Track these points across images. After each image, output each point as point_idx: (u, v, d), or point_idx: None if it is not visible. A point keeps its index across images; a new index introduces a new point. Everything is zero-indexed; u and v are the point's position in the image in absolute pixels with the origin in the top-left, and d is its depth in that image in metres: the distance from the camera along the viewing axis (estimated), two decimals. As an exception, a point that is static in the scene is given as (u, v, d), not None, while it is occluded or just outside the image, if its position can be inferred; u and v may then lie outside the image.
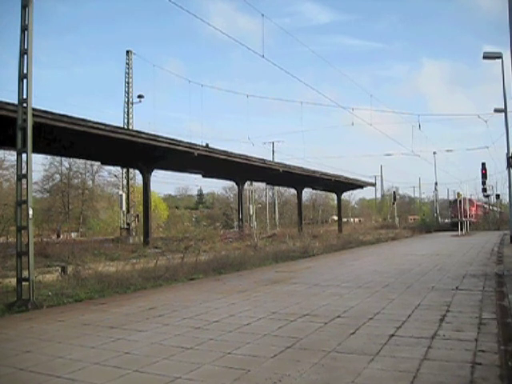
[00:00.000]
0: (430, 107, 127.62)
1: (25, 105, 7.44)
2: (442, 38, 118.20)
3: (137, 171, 30.14)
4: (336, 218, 49.52)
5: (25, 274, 6.99)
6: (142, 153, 21.87)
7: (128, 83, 32.11)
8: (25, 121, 7.36)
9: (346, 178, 36.40)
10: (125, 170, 33.13)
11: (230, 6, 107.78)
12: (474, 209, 44.99)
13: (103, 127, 17.75)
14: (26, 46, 7.51)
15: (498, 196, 48.79)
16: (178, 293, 7.47)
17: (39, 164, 46.24)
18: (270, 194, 58.25)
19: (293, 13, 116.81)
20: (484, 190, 34.02)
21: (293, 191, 47.81)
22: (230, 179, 35.15)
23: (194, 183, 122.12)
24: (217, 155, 24.39)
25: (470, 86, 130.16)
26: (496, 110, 22.58)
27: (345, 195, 47.22)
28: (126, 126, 30.33)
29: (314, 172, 32.02)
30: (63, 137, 17.10)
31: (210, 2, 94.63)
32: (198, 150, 22.97)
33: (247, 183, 38.32)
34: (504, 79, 19.98)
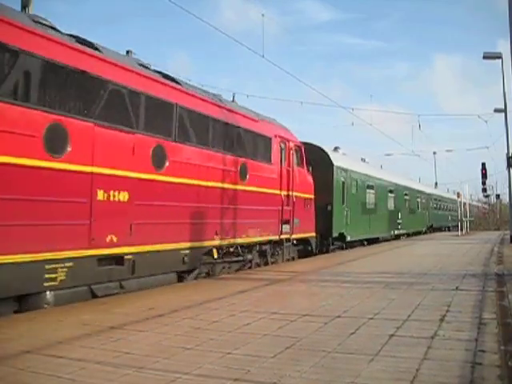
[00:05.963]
0: (440, 105, 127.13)
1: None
2: (452, 33, 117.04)
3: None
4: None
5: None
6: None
7: (128, 83, 32.11)
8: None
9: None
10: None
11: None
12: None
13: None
14: (26, 46, 7.50)
15: (498, 196, 48.79)
16: (178, 293, 7.48)
17: (39, 164, 46.14)
18: (270, 193, 58.08)
19: (294, 11, 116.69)
20: (484, 190, 34.14)
21: (293, 191, 47.77)
22: (230, 179, 35.00)
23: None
24: (217, 155, 24.37)
25: (481, 83, 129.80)
26: (496, 110, 22.56)
27: (345, 195, 47.11)
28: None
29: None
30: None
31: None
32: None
33: (247, 183, 38.12)
34: (504, 79, 20.04)
